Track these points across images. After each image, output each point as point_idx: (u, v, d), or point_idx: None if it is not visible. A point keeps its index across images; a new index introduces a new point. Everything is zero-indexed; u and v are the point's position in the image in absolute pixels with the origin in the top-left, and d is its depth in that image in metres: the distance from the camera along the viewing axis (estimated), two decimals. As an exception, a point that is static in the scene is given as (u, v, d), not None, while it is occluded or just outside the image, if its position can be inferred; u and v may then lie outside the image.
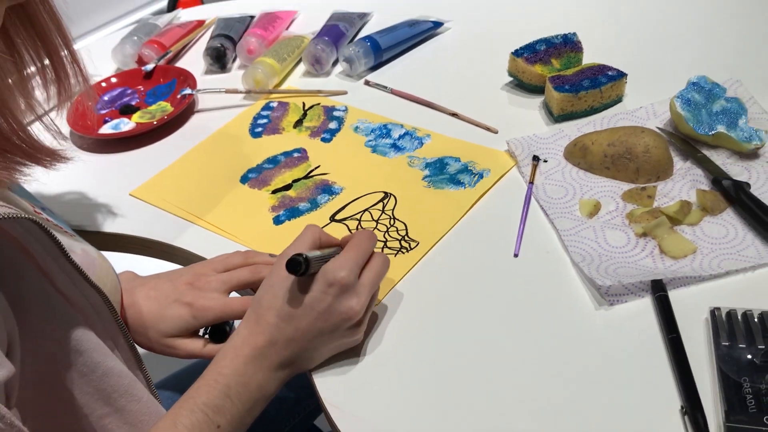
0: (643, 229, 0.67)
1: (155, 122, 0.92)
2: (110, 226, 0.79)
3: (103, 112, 0.98)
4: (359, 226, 0.74)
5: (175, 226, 0.77)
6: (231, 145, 0.89)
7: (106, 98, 1.00)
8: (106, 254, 0.66)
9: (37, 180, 0.57)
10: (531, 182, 0.76)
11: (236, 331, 0.57)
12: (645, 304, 0.60)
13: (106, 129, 0.93)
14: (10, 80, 0.54)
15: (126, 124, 0.94)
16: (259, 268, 0.65)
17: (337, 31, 1.03)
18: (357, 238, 0.59)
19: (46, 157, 0.55)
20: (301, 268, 0.52)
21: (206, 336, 0.65)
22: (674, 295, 0.60)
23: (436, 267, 0.68)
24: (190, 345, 0.64)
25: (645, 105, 0.82)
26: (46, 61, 0.59)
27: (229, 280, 0.64)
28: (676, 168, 0.74)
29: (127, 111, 0.97)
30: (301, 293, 0.55)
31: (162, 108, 0.97)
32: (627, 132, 0.75)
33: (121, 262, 0.69)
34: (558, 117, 0.84)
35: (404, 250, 0.70)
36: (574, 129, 0.82)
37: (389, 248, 0.71)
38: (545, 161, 0.78)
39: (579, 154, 0.77)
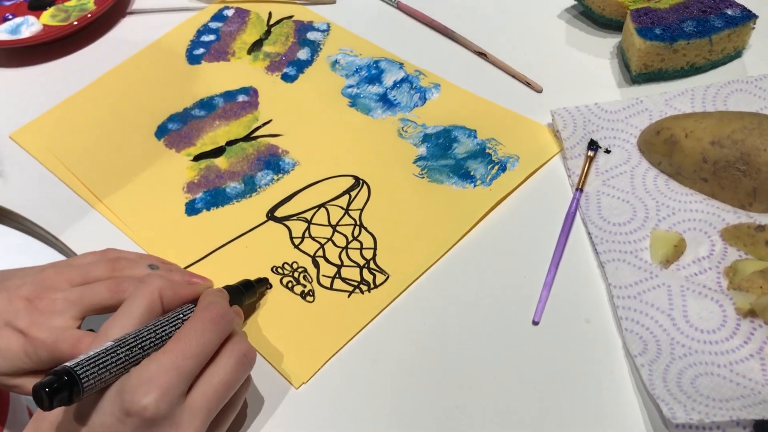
0: (751, 305, 0.40)
1: (75, 23, 0.66)
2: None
3: (7, 3, 0.72)
4: (307, 233, 0.49)
5: (60, 201, 0.54)
6: (158, 72, 0.63)
7: (14, -17, 0.73)
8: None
9: None
10: (579, 188, 0.48)
11: None
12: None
13: (1, 32, 0.67)
14: None
15: (30, 26, 0.68)
16: (122, 286, 0.44)
17: None
18: (193, 323, 0.37)
19: None
20: (55, 400, 0.31)
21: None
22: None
23: (405, 323, 0.43)
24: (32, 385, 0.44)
25: (779, 70, 0.52)
26: None
27: (80, 300, 0.44)
28: (820, 192, 0.46)
29: (38, 5, 0.71)
30: (83, 421, 0.35)
31: (82, 5, 0.70)
32: (747, 124, 0.46)
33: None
34: (638, 76, 0.55)
35: (362, 288, 0.45)
36: (661, 101, 0.52)
37: (343, 280, 0.46)
38: (607, 152, 0.51)
39: (663, 149, 0.48)
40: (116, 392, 0.35)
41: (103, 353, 0.34)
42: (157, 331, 0.36)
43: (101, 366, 0.33)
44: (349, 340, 0.43)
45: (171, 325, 0.37)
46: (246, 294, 0.44)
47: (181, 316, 0.38)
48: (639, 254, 0.45)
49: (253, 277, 0.46)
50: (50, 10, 0.70)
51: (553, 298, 0.43)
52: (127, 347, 0.35)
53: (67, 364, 0.33)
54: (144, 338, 0.36)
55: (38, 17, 0.70)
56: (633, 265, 0.44)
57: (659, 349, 0.40)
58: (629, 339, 0.41)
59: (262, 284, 0.46)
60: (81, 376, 0.32)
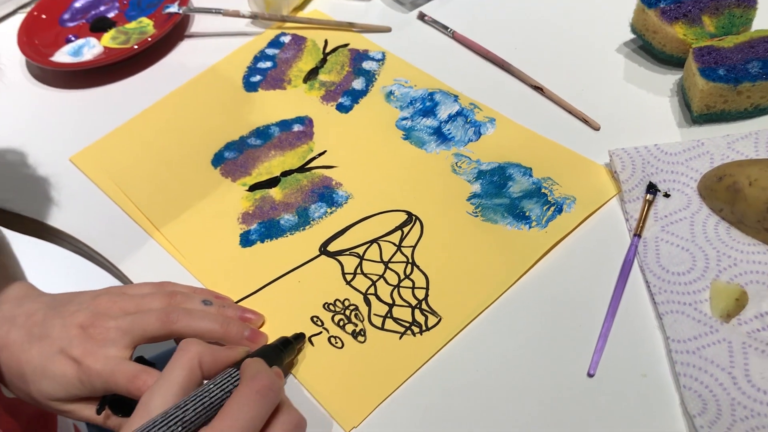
0: (819, 368, 0.39)
1: (134, 47, 0.67)
2: (36, 209, 0.57)
3: (70, 25, 0.74)
4: (359, 269, 0.49)
5: (118, 228, 0.55)
6: (215, 99, 0.63)
7: (77, 5, 0.75)
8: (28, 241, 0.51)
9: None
10: (637, 234, 0.48)
11: None
12: None
13: (63, 54, 0.69)
14: None
15: (91, 49, 0.70)
16: (172, 316, 0.45)
17: (392, -68, 0.72)
18: (241, 397, 0.36)
19: None
20: None
21: (105, 408, 0.45)
22: None
23: (456, 368, 0.43)
24: (85, 411, 0.46)
25: None
26: None
27: (131, 330, 0.45)
28: None
29: (100, 26, 0.73)
30: None
31: (142, 28, 0.72)
32: (817, 175, 0.44)
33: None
34: (699, 117, 0.54)
35: (414, 330, 0.45)
36: (723, 144, 0.51)
37: (394, 320, 0.46)
38: (667, 195, 0.49)
39: (725, 196, 0.47)
40: None
41: (154, 425, 0.34)
42: (202, 403, 0.36)
43: None
44: (402, 384, 0.43)
45: (213, 396, 0.37)
46: (285, 352, 0.43)
47: (223, 386, 0.38)
48: (698, 306, 0.44)
49: (306, 315, 0.46)
50: (111, 32, 0.72)
51: (609, 349, 0.43)
52: (174, 422, 0.35)
53: None
54: (188, 411, 0.35)
55: (99, 39, 0.71)
56: (692, 317, 0.43)
57: (719, 409, 0.39)
58: (688, 397, 0.40)
59: (300, 340, 0.45)
60: None
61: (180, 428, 0.35)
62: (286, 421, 0.37)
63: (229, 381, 0.38)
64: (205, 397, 0.37)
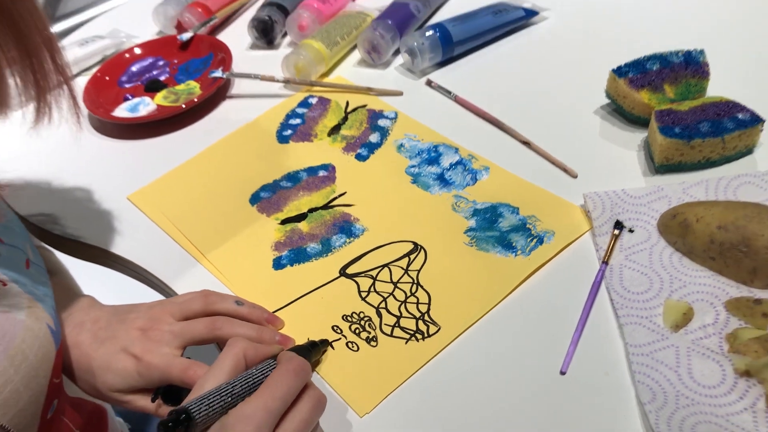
0: (747, 366, 0.48)
1: (183, 105, 0.79)
2: (100, 238, 0.67)
3: (128, 86, 0.86)
4: (372, 288, 0.59)
5: (168, 254, 0.65)
6: (252, 149, 0.75)
7: (134, 69, 0.88)
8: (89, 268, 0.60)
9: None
10: (605, 261, 0.57)
11: None
12: (728, 498, 0.42)
13: (122, 110, 0.81)
14: None
15: (146, 106, 0.82)
16: (217, 323, 0.54)
17: (405, 12, 0.85)
18: (279, 374, 0.45)
19: None
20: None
21: (159, 397, 0.54)
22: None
23: (453, 367, 0.52)
24: (140, 401, 0.54)
25: (785, 167, 0.60)
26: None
27: (183, 334, 0.54)
28: (813, 273, 0.53)
29: (153, 88, 0.85)
30: None
31: (189, 89, 0.84)
32: (749, 213, 0.54)
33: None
34: (660, 167, 0.64)
35: (418, 336, 0.54)
36: (679, 189, 0.61)
37: (401, 328, 0.55)
38: (631, 231, 0.59)
39: (678, 231, 0.57)
40: (218, 428, 0.43)
41: (209, 396, 0.43)
42: (247, 382, 0.45)
43: (209, 407, 0.42)
44: (406, 380, 0.52)
45: (255, 377, 0.46)
46: (312, 352, 0.52)
47: (263, 370, 0.47)
48: (653, 319, 0.53)
49: (327, 324, 0.56)
50: (163, 92, 0.84)
51: (578, 352, 0.52)
52: (225, 394, 0.44)
53: (184, 405, 0.42)
54: (237, 387, 0.45)
55: (153, 98, 0.83)
56: (647, 328, 0.52)
57: (666, 399, 0.48)
58: (640, 389, 0.49)
59: (324, 345, 0.55)
60: (195, 415, 0.41)
61: (229, 398, 0.44)
62: (312, 396, 0.46)
63: (267, 367, 0.47)
64: (249, 378, 0.46)
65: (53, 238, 0.69)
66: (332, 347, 0.55)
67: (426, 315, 0.56)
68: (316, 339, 0.54)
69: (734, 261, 0.54)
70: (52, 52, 0.50)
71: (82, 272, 0.71)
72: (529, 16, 0.85)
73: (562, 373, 0.51)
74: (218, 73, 0.81)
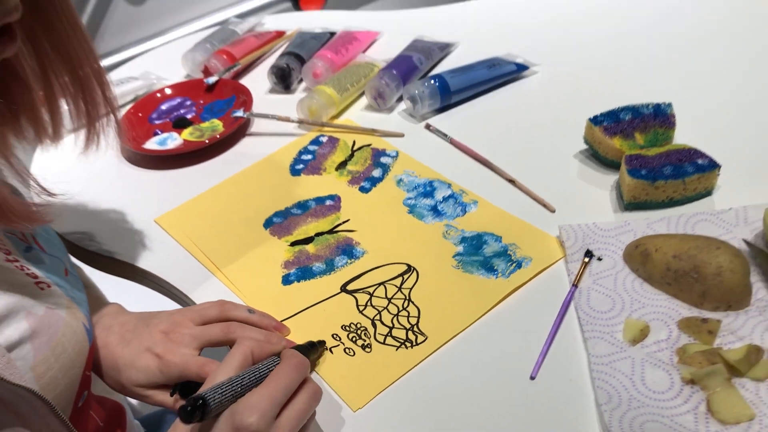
0: (692, 375, 0.55)
1: (206, 141, 0.88)
2: (130, 255, 0.76)
3: (157, 122, 0.96)
4: (369, 302, 0.66)
5: (190, 270, 0.73)
6: (268, 180, 0.83)
7: (164, 107, 0.97)
8: (117, 282, 0.67)
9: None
10: (575, 285, 0.65)
11: None
12: (667, 483, 0.49)
13: (152, 143, 0.91)
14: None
15: (173, 140, 0.91)
16: (231, 327, 0.61)
17: (409, 64, 0.94)
18: (282, 368, 0.52)
19: (17, 219, 0.51)
20: (194, 417, 0.47)
21: (177, 392, 0.61)
22: (706, 481, 0.48)
23: (437, 371, 0.59)
24: (159, 396, 0.61)
25: (737, 207, 0.68)
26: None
27: (201, 337, 0.61)
28: (755, 298, 0.61)
29: (180, 124, 0.94)
30: None
31: (213, 127, 0.93)
32: (700, 244, 0.62)
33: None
34: (628, 205, 0.72)
35: (407, 345, 0.62)
36: (643, 224, 0.69)
37: (393, 337, 0.63)
38: (599, 259, 0.67)
39: (639, 259, 0.65)
40: (229, 415, 0.48)
41: (222, 386, 0.50)
42: (254, 375, 0.52)
43: (222, 395, 0.49)
44: (396, 380, 0.59)
45: (261, 371, 0.53)
46: (311, 351, 0.60)
47: (268, 365, 0.54)
48: (614, 334, 0.60)
49: (328, 332, 0.63)
50: (189, 129, 0.94)
51: (547, 361, 0.59)
52: (236, 385, 0.51)
53: (201, 393, 0.48)
54: (245, 379, 0.51)
55: (179, 134, 0.93)
56: (608, 342, 0.59)
57: (620, 401, 0.55)
58: (598, 393, 0.56)
59: (322, 345, 0.62)
60: (210, 402, 0.48)
61: (239, 389, 0.51)
62: (310, 389, 0.53)
63: (272, 363, 0.55)
64: (256, 371, 0.53)
65: (88, 254, 0.78)
66: (331, 352, 0.62)
67: (415, 326, 0.63)
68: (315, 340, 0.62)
69: (687, 286, 0.61)
70: (101, 84, 0.58)
71: (108, 285, 0.79)
72: (520, 70, 0.94)
73: (532, 378, 0.58)
74: (239, 113, 0.90)
